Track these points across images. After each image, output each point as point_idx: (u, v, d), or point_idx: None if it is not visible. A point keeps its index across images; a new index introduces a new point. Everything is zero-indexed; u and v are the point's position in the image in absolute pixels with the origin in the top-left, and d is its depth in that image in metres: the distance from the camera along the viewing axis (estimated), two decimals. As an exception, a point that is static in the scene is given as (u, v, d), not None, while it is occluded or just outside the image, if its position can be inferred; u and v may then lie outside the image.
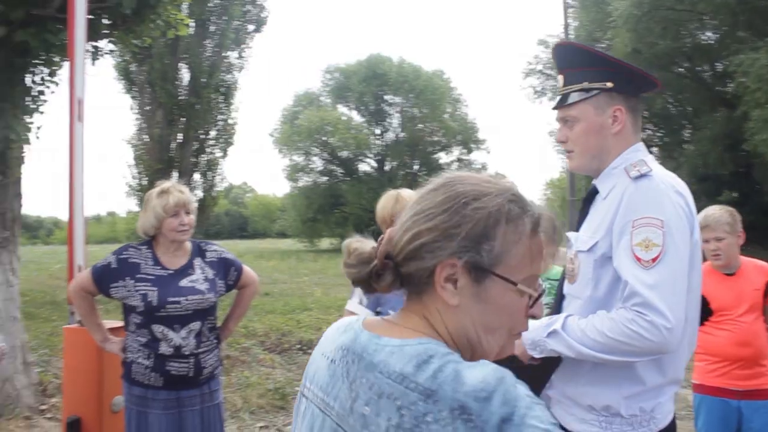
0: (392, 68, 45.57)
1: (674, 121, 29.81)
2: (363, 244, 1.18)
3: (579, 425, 2.10)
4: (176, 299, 3.33)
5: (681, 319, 1.89)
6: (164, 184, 3.57)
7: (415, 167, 47.42)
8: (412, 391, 0.97)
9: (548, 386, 2.25)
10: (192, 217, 3.50)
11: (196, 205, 3.59)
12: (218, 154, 21.84)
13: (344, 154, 46.51)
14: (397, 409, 0.96)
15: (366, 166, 48.16)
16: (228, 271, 3.63)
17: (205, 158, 21.25)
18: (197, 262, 3.52)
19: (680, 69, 27.23)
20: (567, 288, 2.20)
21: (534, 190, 49.72)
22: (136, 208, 20.73)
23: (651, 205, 1.94)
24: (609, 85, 2.13)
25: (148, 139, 20.37)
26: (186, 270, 3.46)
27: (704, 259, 3.96)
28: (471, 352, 1.10)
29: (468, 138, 46.53)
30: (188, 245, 3.56)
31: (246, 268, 3.78)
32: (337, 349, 1.14)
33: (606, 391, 2.03)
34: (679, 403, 6.32)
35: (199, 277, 3.46)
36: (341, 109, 48.00)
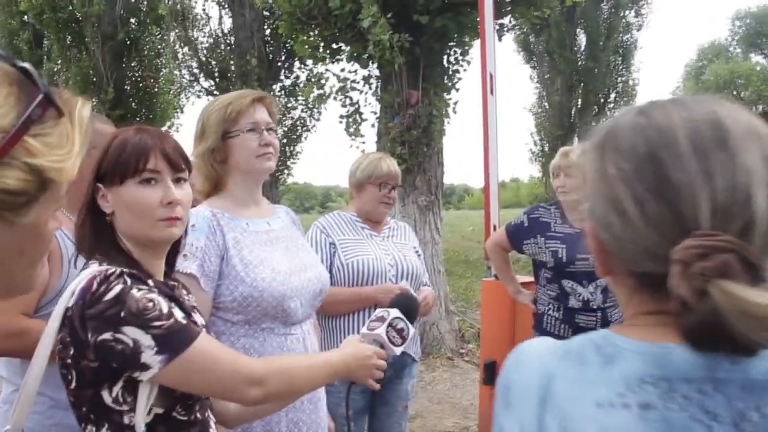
0: (822, 3, 39.37)
1: None
2: None
3: None
4: (585, 256, 3.45)
5: None
6: (564, 148, 3.79)
7: None
8: None
9: None
10: (572, 180, 3.53)
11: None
12: (619, 116, 21.43)
13: (761, 107, 41.80)
14: None
15: (788, 120, 42.67)
16: None
17: (606, 122, 21.01)
18: None
19: None
20: None
21: None
22: (538, 174, 21.42)
23: None
24: None
25: (548, 107, 20.88)
26: None
27: None
28: None
29: None
30: None
31: None
32: (634, 385, 0.76)
33: None
34: None
35: None
36: (755, 58, 43.07)
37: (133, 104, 15.19)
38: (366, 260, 3.04)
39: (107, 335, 1.34)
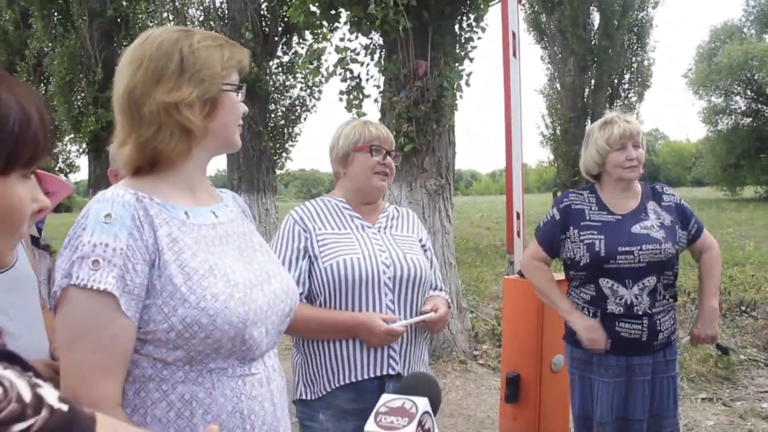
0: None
1: None
2: None
3: None
4: (628, 249, 2.84)
5: None
6: (608, 115, 3.10)
7: None
8: None
9: None
10: (641, 152, 2.97)
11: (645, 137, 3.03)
12: (633, 98, 20.68)
13: (776, 89, 41.14)
14: None
15: (804, 103, 41.98)
16: (688, 222, 3.03)
17: (619, 103, 20.29)
18: (651, 205, 2.98)
19: None
20: None
21: None
22: (549, 158, 20.71)
23: None
24: None
25: (560, 88, 20.14)
26: (638, 215, 2.94)
27: None
28: None
29: None
30: (638, 186, 3.04)
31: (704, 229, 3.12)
32: None
33: None
34: None
35: (653, 224, 2.91)
36: (769, 39, 42.32)
37: (124, 85, 14.51)
38: (350, 261, 2.27)
39: None
